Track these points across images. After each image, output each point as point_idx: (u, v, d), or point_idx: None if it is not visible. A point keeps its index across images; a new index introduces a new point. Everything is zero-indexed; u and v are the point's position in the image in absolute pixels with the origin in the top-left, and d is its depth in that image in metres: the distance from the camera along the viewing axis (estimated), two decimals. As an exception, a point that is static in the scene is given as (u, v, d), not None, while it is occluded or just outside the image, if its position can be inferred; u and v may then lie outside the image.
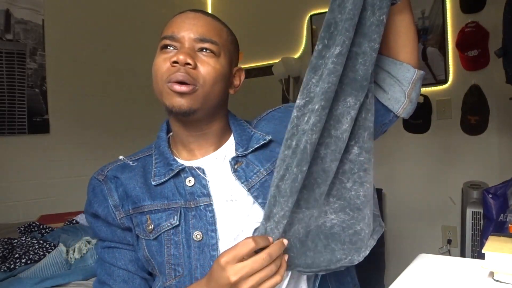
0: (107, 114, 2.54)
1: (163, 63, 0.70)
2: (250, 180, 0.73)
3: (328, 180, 0.64)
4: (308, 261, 0.64)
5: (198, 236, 0.70)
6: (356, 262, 0.65)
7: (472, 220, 2.12)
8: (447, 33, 2.49)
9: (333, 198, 0.66)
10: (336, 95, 0.63)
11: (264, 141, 0.76)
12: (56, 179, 2.24)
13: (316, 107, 0.60)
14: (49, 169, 2.20)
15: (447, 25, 2.49)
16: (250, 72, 3.07)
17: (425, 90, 2.52)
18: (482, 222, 2.04)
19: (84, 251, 1.37)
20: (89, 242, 1.41)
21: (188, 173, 0.73)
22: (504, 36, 1.81)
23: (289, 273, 0.72)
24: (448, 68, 2.49)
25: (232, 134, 0.80)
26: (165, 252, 0.71)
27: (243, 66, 0.82)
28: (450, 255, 2.30)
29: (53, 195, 2.21)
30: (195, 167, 0.74)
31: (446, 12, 2.49)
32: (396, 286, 0.62)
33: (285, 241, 0.61)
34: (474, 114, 2.39)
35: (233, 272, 0.55)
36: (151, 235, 0.71)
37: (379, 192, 2.64)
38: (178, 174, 0.74)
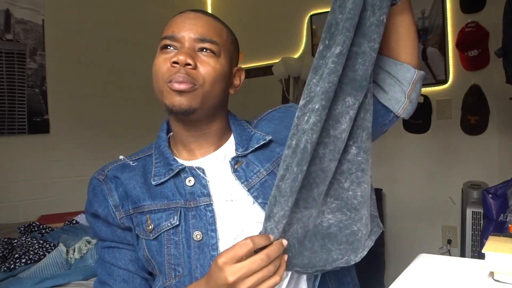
0: (107, 114, 2.55)
1: (163, 63, 0.70)
2: (250, 180, 0.73)
3: (326, 180, 0.64)
4: (305, 261, 0.64)
5: (198, 236, 0.70)
6: (353, 263, 0.65)
7: (472, 220, 2.12)
8: (447, 33, 2.49)
9: (330, 198, 0.66)
10: (335, 94, 0.63)
11: (264, 141, 0.76)
12: (56, 179, 2.24)
13: (317, 106, 0.60)
14: (49, 169, 2.20)
15: (447, 25, 2.49)
16: (250, 72, 3.07)
17: (425, 90, 2.52)
18: (482, 222, 2.04)
19: (84, 251, 1.37)
20: (89, 242, 1.41)
21: (188, 173, 0.73)
22: (504, 36, 1.82)
23: (289, 273, 0.72)
24: (448, 68, 2.49)
25: (232, 134, 0.80)
26: (165, 252, 0.71)
27: (243, 66, 0.83)
28: (450, 255, 2.30)
29: (53, 195, 2.21)
30: (195, 167, 0.74)
31: (446, 12, 2.49)
32: (396, 286, 0.62)
33: (285, 242, 0.61)
34: (474, 114, 2.39)
35: (231, 273, 0.55)
36: (151, 235, 0.71)
37: (379, 192, 2.64)
38: (178, 174, 0.74)
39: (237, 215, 0.72)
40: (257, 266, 0.56)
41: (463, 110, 2.43)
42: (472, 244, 2.11)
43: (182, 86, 0.67)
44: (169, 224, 0.71)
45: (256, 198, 0.72)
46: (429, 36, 2.53)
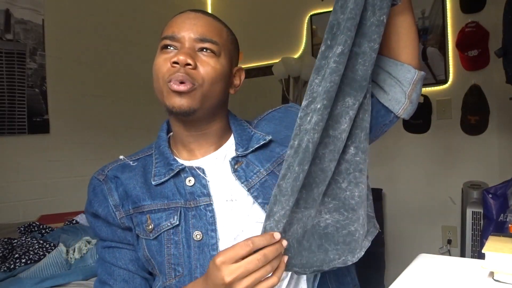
0: (107, 114, 2.54)
1: (163, 63, 0.70)
2: (250, 180, 0.73)
3: (326, 180, 0.64)
4: (303, 261, 0.64)
5: (198, 236, 0.70)
6: (350, 263, 0.65)
7: (472, 220, 2.12)
8: (447, 33, 2.49)
9: (328, 198, 0.66)
10: (336, 95, 0.63)
11: (264, 141, 0.76)
12: (56, 179, 2.24)
13: (319, 106, 0.60)
14: (49, 169, 2.20)
15: (447, 25, 2.49)
16: (250, 72, 3.07)
17: (425, 90, 2.52)
18: (482, 222, 2.04)
19: (84, 251, 1.37)
20: (89, 242, 1.42)
21: (188, 173, 0.74)
22: (504, 36, 1.81)
23: (289, 273, 0.72)
24: (448, 68, 2.49)
25: (232, 134, 0.80)
26: (165, 251, 0.71)
27: (243, 66, 0.83)
28: (450, 255, 2.30)
29: (53, 195, 2.21)
30: (195, 167, 0.74)
31: (446, 12, 2.49)
32: (396, 286, 0.62)
33: (285, 243, 0.61)
34: (474, 114, 2.39)
35: (228, 273, 0.55)
36: (151, 235, 0.71)
37: (379, 192, 2.64)
38: (178, 174, 0.74)
39: (237, 215, 0.72)
40: (253, 266, 0.56)
41: (463, 110, 2.43)
42: (472, 244, 2.11)
43: (182, 87, 0.67)
44: (169, 224, 0.71)
45: (256, 198, 0.72)
46: (429, 36, 2.53)
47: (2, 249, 1.33)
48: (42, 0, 2.18)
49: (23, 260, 1.30)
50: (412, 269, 0.69)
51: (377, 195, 2.62)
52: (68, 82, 2.32)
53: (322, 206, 0.66)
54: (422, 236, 2.58)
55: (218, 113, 0.76)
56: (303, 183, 0.62)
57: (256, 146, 0.76)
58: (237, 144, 0.76)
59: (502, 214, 1.85)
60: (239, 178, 0.73)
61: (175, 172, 0.73)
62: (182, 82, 0.68)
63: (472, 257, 2.07)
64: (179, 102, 0.69)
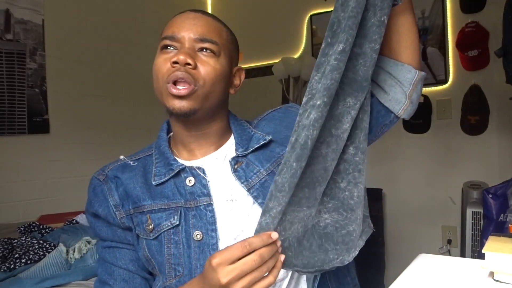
0: (107, 114, 2.55)
1: (163, 63, 0.70)
2: (250, 180, 0.73)
3: (327, 179, 0.64)
4: (305, 261, 0.64)
5: (198, 236, 0.70)
6: (347, 263, 0.65)
7: (472, 220, 2.12)
8: (447, 33, 2.49)
9: (326, 197, 0.66)
10: (336, 94, 0.63)
11: (264, 141, 0.76)
12: (56, 179, 2.24)
13: (318, 102, 0.59)
14: (49, 169, 2.20)
15: (447, 25, 2.49)
16: (250, 72, 3.07)
17: (425, 90, 2.52)
18: (482, 222, 2.04)
19: (84, 251, 1.37)
20: (89, 242, 1.42)
21: (188, 173, 0.74)
22: (504, 36, 1.81)
23: (289, 274, 0.72)
24: (448, 68, 2.49)
25: (232, 134, 0.80)
26: (165, 251, 0.71)
27: (243, 66, 0.83)
28: (450, 255, 2.30)
29: (53, 195, 2.21)
30: (195, 167, 0.74)
31: (446, 12, 2.49)
32: (396, 286, 0.62)
33: (279, 242, 0.60)
34: (474, 114, 2.39)
35: (224, 274, 0.55)
36: (151, 235, 0.71)
37: (379, 192, 2.64)
38: (178, 174, 0.74)
39: (237, 215, 0.72)
40: (249, 267, 0.56)
41: (463, 110, 2.43)
42: (472, 244, 2.11)
43: (182, 92, 0.68)
44: (169, 224, 0.71)
45: (256, 198, 0.72)
46: (429, 36, 2.53)
47: (2, 249, 1.33)
48: (42, 0, 2.18)
49: (23, 260, 1.30)
50: (412, 269, 0.69)
51: (377, 195, 2.62)
52: (68, 82, 2.32)
53: (321, 205, 0.66)
54: (422, 236, 2.58)
55: (218, 113, 0.76)
56: (306, 181, 0.62)
57: (256, 146, 0.76)
58: (237, 144, 0.76)
59: (502, 214, 1.85)
60: (239, 178, 0.73)
61: (175, 172, 0.73)
62: (182, 83, 0.68)
63: (472, 257, 2.07)
64: (179, 104, 0.69)
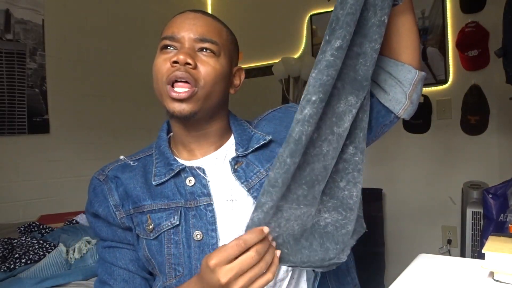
0: (107, 114, 2.55)
1: (163, 63, 0.70)
2: (250, 180, 0.73)
3: (326, 178, 0.64)
4: (304, 259, 0.64)
5: (198, 236, 0.70)
6: (342, 261, 0.65)
7: (472, 220, 2.12)
8: (447, 33, 2.49)
9: (326, 196, 0.66)
10: (338, 92, 0.63)
11: (264, 141, 0.76)
12: (56, 179, 2.24)
13: (313, 98, 0.59)
14: (49, 169, 2.20)
15: (447, 25, 2.49)
16: (250, 72, 3.07)
17: (425, 90, 2.52)
18: (482, 222, 2.04)
19: (84, 251, 1.37)
20: (89, 242, 1.42)
21: (188, 173, 0.74)
22: (504, 36, 1.82)
23: (289, 274, 0.72)
24: (448, 68, 2.49)
25: (232, 134, 0.80)
26: (165, 251, 0.71)
27: (243, 66, 0.83)
28: (450, 255, 2.30)
29: (53, 195, 2.21)
30: (196, 167, 0.74)
31: (446, 12, 2.49)
32: (396, 286, 0.62)
33: (270, 237, 0.60)
34: (474, 114, 2.39)
35: (223, 274, 0.55)
36: (151, 235, 0.71)
37: (379, 192, 2.64)
38: (178, 174, 0.74)
39: (237, 215, 0.72)
40: (247, 264, 0.56)
41: (463, 110, 2.43)
42: (472, 244, 2.11)
43: (182, 95, 0.68)
44: (169, 224, 0.71)
45: (256, 198, 0.72)
46: (429, 36, 2.53)
47: (2, 249, 1.33)
48: (42, 0, 2.18)
49: (23, 260, 1.30)
50: (412, 269, 0.69)
51: (377, 195, 2.62)
52: (68, 82, 2.32)
53: (321, 205, 0.66)
54: (422, 236, 2.58)
55: (218, 113, 0.76)
56: (305, 179, 0.61)
57: (256, 146, 0.76)
58: (237, 144, 0.76)
59: (502, 214, 1.85)
60: (239, 178, 0.73)
61: (175, 172, 0.73)
62: (182, 82, 0.68)
63: (472, 257, 2.07)
64: (179, 108, 0.69)
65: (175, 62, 0.68)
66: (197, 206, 0.71)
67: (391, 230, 2.68)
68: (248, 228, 0.60)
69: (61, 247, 1.34)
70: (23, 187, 2.09)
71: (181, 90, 0.68)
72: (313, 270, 0.71)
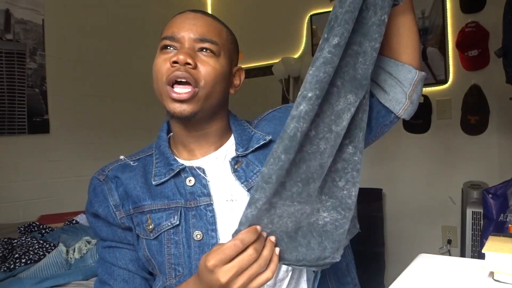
0: (107, 114, 2.55)
1: (163, 64, 0.70)
2: (250, 180, 0.73)
3: (322, 176, 0.64)
4: (300, 257, 0.63)
5: (199, 236, 0.70)
6: (336, 261, 0.65)
7: (472, 220, 2.12)
8: (447, 33, 2.49)
9: (325, 196, 0.66)
10: (338, 90, 0.63)
11: (264, 141, 0.76)
12: (56, 179, 2.24)
13: (310, 94, 0.58)
14: (49, 169, 2.20)
15: (447, 25, 2.49)
16: (250, 72, 3.07)
17: (425, 90, 2.52)
18: (482, 222, 2.04)
19: (84, 251, 1.37)
20: (89, 242, 1.42)
21: (188, 173, 0.74)
22: (504, 36, 1.82)
23: (289, 274, 0.72)
24: (448, 68, 2.49)
25: (232, 134, 0.80)
26: (165, 251, 0.71)
27: (243, 66, 0.83)
28: (450, 255, 2.30)
29: (53, 195, 2.21)
30: (196, 167, 0.74)
31: (446, 12, 2.49)
32: (396, 286, 0.62)
33: (265, 234, 0.60)
34: (474, 114, 2.39)
35: (222, 274, 0.55)
36: (151, 235, 0.71)
37: (379, 192, 2.64)
38: (178, 174, 0.74)
39: (237, 215, 0.71)
40: (246, 262, 0.56)
41: (463, 110, 2.43)
42: (472, 244, 2.11)
43: (183, 96, 0.68)
44: (169, 224, 0.71)
45: (256, 198, 0.72)
46: (429, 36, 2.53)
47: (2, 249, 1.33)
48: (42, 0, 2.18)
49: (23, 260, 1.30)
50: (412, 269, 0.69)
51: (377, 195, 2.62)
52: (68, 82, 2.32)
53: (319, 204, 0.66)
54: (422, 236, 2.58)
55: (218, 113, 0.76)
56: (301, 177, 0.61)
57: (256, 146, 0.76)
58: (237, 144, 0.76)
59: (502, 214, 1.85)
60: (239, 178, 0.73)
61: (175, 172, 0.73)
62: (182, 82, 0.68)
63: (472, 257, 2.07)
64: (180, 108, 0.69)
65: (175, 62, 0.68)
66: (197, 206, 0.71)
67: (391, 230, 2.68)
68: (242, 224, 0.60)
69: (61, 247, 1.34)
70: (23, 187, 2.09)
71: (181, 90, 0.68)
72: (313, 271, 0.72)
